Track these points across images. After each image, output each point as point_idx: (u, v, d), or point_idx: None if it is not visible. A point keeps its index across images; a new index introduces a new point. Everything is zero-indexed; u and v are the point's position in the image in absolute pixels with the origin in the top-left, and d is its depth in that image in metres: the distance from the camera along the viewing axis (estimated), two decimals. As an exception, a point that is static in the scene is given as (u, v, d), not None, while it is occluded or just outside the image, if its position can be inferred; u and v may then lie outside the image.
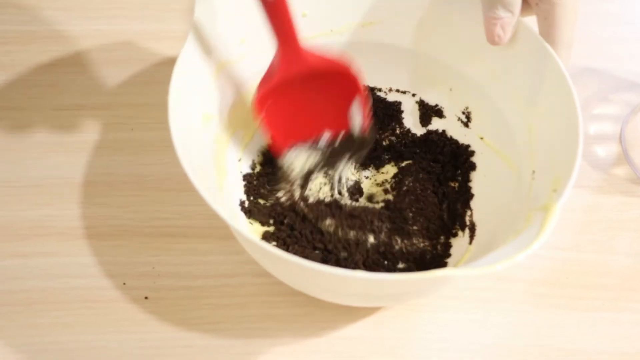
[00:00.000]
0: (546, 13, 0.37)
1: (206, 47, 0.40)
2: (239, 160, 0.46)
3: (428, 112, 0.49)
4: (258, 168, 0.46)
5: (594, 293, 0.44)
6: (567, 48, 0.38)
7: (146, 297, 0.42)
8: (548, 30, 0.38)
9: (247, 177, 0.46)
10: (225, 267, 0.43)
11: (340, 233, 0.43)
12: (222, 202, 0.41)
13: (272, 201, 0.45)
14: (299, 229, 0.43)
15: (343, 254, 0.42)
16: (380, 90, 0.50)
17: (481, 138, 0.46)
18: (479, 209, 0.44)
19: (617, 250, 0.46)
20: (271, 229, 0.44)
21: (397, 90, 0.49)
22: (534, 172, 0.39)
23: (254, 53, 0.43)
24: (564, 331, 0.42)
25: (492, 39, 0.39)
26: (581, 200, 0.48)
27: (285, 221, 0.44)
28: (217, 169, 0.42)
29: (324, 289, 0.38)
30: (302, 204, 0.44)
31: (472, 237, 0.43)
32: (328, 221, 0.43)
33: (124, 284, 0.43)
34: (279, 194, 0.45)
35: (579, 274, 0.44)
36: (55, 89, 0.52)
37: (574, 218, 0.47)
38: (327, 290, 0.38)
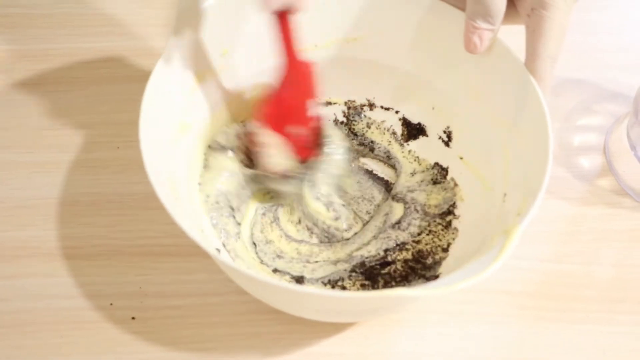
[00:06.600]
0: (535, 25, 0.38)
1: (186, 57, 0.40)
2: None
3: (411, 130, 0.49)
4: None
5: (579, 305, 0.44)
6: (550, 63, 0.38)
7: (133, 318, 0.42)
8: (534, 43, 0.38)
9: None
10: (211, 286, 0.43)
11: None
12: (198, 220, 0.41)
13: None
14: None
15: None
16: (364, 105, 0.50)
17: (461, 158, 0.46)
18: (457, 229, 0.44)
19: (602, 262, 0.46)
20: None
21: (382, 107, 0.49)
22: (505, 194, 0.39)
23: (236, 65, 0.44)
24: (549, 343, 0.42)
25: (469, 47, 0.40)
26: (565, 211, 0.48)
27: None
28: (190, 180, 0.42)
29: (292, 306, 0.38)
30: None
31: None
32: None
33: (111, 304, 0.43)
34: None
35: (563, 286, 0.45)
36: (39, 108, 0.52)
37: (558, 229, 0.47)
38: (299, 308, 0.38)
